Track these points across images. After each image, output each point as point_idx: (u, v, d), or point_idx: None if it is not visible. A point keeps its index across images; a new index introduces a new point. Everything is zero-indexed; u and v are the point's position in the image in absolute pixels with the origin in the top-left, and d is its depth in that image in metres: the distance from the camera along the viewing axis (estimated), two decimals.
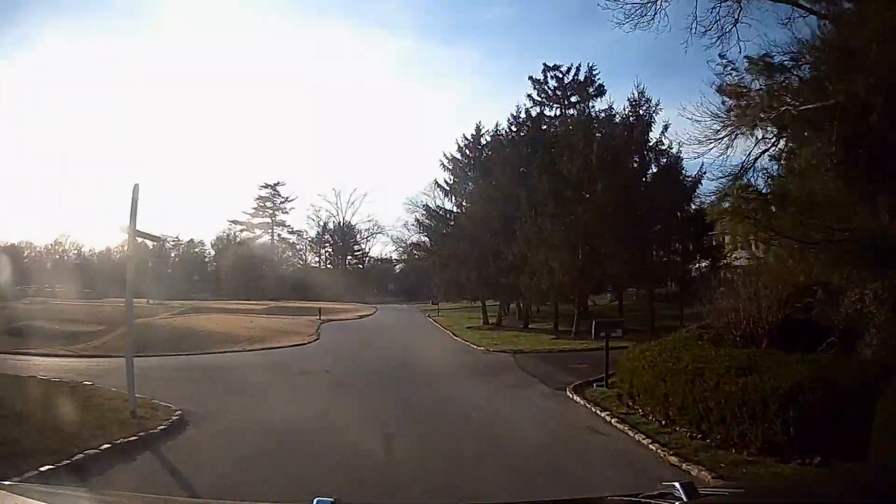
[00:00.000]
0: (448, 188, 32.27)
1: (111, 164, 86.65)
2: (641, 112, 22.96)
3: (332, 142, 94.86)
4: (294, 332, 27.37)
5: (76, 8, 63.47)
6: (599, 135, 23.11)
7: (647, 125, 22.75)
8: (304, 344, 22.46)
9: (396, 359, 17.30)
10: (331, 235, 70.79)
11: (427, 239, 35.39)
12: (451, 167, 32.25)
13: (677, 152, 22.26)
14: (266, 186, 67.71)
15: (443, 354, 18.75)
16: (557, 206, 21.73)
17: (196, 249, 74.38)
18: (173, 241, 71.94)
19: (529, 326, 27.89)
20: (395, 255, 68.56)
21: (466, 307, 45.16)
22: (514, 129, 30.22)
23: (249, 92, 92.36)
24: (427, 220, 34.12)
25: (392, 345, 21.92)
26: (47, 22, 65.06)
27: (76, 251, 69.26)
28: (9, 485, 2.05)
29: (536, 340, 21.44)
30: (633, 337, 13.32)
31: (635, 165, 22.86)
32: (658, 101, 23.40)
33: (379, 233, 69.13)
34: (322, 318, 34.42)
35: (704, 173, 22.61)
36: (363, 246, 71.80)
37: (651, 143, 22.61)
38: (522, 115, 29.85)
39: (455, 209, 32.61)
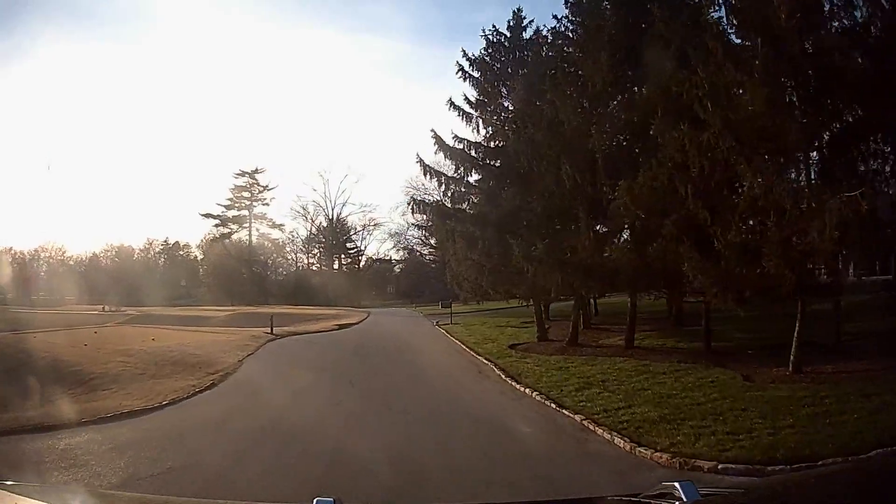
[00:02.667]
0: (473, 107, 18.38)
1: (96, 168, 78.75)
2: None
3: (318, 137, 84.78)
4: (197, 366, 14.75)
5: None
6: None
7: None
8: (156, 408, 9.53)
9: None
10: (321, 232, 60.65)
11: (438, 194, 19.88)
12: (476, 74, 18.69)
13: None
14: (242, 174, 55.92)
15: None
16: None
17: (181, 252, 68.21)
18: (161, 244, 67.80)
19: (634, 344, 14.80)
20: (394, 255, 59.74)
21: (487, 310, 31.90)
22: None
23: (232, 78, 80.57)
24: (436, 167, 19.11)
25: (348, 443, 8.61)
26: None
27: (60, 257, 65.47)
28: (9, 485, 1.85)
29: (734, 394, 7.81)
30: None
31: None
32: None
33: (374, 226, 58.62)
34: (276, 331, 22.12)
35: None
36: (357, 243, 60.83)
37: None
38: None
39: (483, 142, 18.39)
